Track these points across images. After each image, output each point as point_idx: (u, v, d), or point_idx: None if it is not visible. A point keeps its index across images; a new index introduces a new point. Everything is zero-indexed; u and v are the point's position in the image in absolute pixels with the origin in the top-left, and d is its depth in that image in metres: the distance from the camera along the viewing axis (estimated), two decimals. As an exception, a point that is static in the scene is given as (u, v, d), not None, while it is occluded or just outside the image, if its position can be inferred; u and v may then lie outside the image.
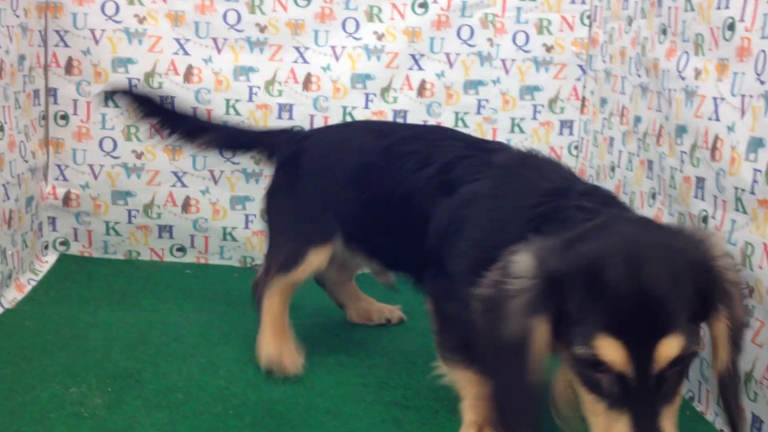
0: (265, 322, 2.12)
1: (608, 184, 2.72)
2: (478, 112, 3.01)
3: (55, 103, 2.88)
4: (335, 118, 2.94)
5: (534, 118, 3.03)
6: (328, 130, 2.46)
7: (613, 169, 2.70)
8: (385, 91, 2.96)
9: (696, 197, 2.07)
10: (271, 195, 2.24)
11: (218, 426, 1.78)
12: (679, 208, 2.16)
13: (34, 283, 2.66)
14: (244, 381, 2.01)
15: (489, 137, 3.00)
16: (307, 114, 2.94)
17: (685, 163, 2.13)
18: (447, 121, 2.99)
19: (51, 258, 2.91)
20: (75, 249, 2.99)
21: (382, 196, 2.00)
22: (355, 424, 1.83)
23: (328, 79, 2.94)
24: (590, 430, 1.37)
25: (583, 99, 3.02)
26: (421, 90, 2.97)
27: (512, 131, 3.02)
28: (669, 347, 1.25)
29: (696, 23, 2.12)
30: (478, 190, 1.77)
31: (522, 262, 1.36)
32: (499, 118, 3.01)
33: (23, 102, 2.67)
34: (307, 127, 2.91)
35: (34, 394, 1.86)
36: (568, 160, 3.05)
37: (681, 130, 2.16)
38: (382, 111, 2.97)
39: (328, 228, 2.10)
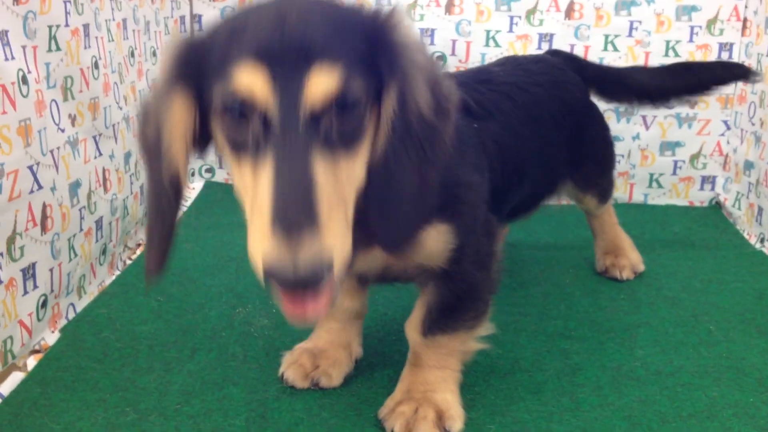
0: None
1: (776, 110, 2.54)
2: (630, 35, 2.85)
3: (200, 29, 2.88)
4: (478, 44, 2.85)
5: (690, 40, 2.85)
6: None
7: (782, 93, 2.51)
8: (530, 13, 2.83)
9: None
10: None
11: (386, 339, 1.78)
12: None
13: (184, 209, 2.71)
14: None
15: (641, 62, 2.85)
16: (449, 39, 2.86)
17: None
18: (596, 44, 2.85)
19: (198, 185, 2.97)
20: (220, 176, 3.03)
21: None
22: (520, 353, 1.79)
23: (471, 2, 2.84)
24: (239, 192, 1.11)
25: (745, 20, 2.82)
26: (569, 11, 2.83)
27: (666, 54, 2.86)
28: (320, 79, 1.03)
29: None
30: None
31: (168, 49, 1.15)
32: (653, 41, 2.85)
33: (171, 27, 2.68)
34: (448, 53, 2.83)
35: (204, 313, 1.91)
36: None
37: None
38: (526, 35, 2.85)
39: None
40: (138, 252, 2.30)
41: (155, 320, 1.86)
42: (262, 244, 0.98)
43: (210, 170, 3.02)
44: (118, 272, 2.14)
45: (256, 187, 1.03)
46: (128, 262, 2.23)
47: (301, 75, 1.03)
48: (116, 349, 1.72)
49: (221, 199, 2.83)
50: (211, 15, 2.87)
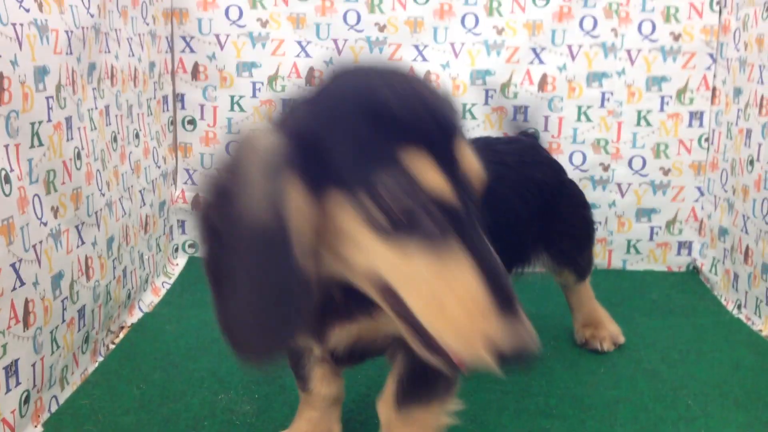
0: None
1: (746, 179, 2.60)
2: (602, 106, 2.93)
3: (183, 108, 2.94)
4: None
5: (661, 110, 2.92)
6: None
7: (751, 162, 2.58)
8: (505, 86, 2.91)
9: None
10: None
11: (364, 430, 1.79)
12: (836, 207, 2.04)
13: (168, 287, 2.73)
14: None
15: (614, 131, 2.93)
16: None
17: (842, 160, 2.01)
18: (569, 114, 2.92)
19: (181, 261, 2.99)
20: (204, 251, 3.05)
21: None
22: (501, 433, 1.81)
23: (447, 77, 2.91)
24: (409, 296, 1.05)
25: (714, 89, 2.90)
26: (543, 84, 2.91)
27: (638, 124, 2.93)
28: (474, 162, 1.05)
29: None
30: None
31: (263, 131, 1.09)
32: (624, 111, 2.92)
33: (154, 108, 2.73)
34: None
35: (186, 401, 1.91)
36: (698, 153, 2.94)
37: (837, 124, 2.04)
38: (501, 107, 2.92)
39: None
40: (121, 335, 2.30)
41: (138, 410, 1.86)
42: (484, 328, 0.97)
43: (193, 245, 3.05)
44: (101, 358, 2.15)
45: (440, 274, 1.00)
46: (111, 346, 2.24)
47: (456, 156, 1.03)
48: (99, 442, 1.73)
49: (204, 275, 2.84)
50: (194, 95, 2.92)
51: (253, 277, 1.06)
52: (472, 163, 1.05)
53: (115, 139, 2.31)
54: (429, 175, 1.00)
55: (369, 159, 1.02)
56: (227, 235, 1.06)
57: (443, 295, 1.00)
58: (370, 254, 1.05)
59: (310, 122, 1.07)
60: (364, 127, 1.03)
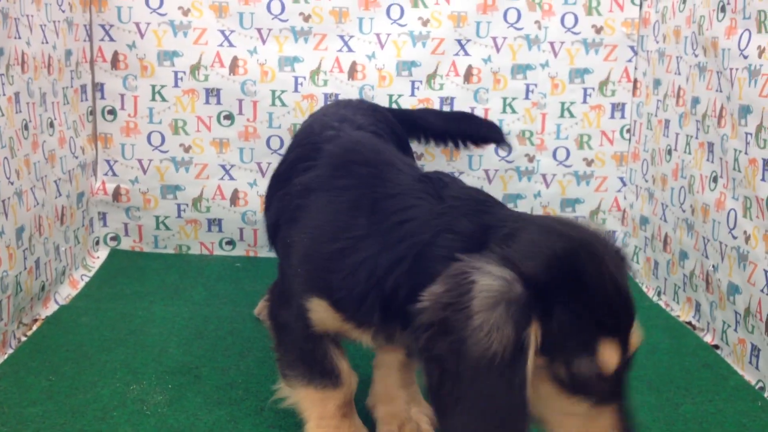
0: None
1: (665, 168, 2.65)
2: (527, 97, 2.95)
3: (102, 98, 2.88)
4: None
5: (584, 101, 2.96)
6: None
7: (669, 152, 2.63)
8: (431, 78, 2.91)
9: (763, 180, 2.00)
10: None
11: (280, 423, 1.77)
12: (745, 191, 2.09)
13: (87, 279, 2.66)
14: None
15: (538, 123, 2.95)
16: None
17: (750, 145, 2.06)
18: (495, 106, 2.94)
19: (102, 254, 2.92)
20: (126, 244, 2.99)
21: None
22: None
23: (374, 68, 2.91)
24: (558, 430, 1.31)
25: (635, 81, 2.95)
26: (468, 76, 2.92)
27: (562, 116, 2.96)
28: (638, 335, 1.28)
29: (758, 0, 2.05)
30: (310, 181, 1.63)
31: (494, 269, 1.21)
32: (548, 103, 2.95)
33: (71, 97, 2.67)
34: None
35: (96, 392, 1.87)
36: (620, 144, 2.99)
37: (745, 110, 2.09)
38: (428, 98, 2.92)
39: None
40: (35, 328, 2.24)
41: (45, 401, 1.81)
42: None
43: (115, 238, 2.98)
44: (11, 350, 2.08)
45: (596, 425, 1.26)
46: (23, 338, 2.17)
47: (628, 338, 1.25)
48: (1, 434, 1.67)
49: (126, 267, 2.79)
50: (114, 84, 2.86)
51: (484, 403, 1.21)
52: (638, 340, 1.28)
53: (26, 127, 2.25)
54: (613, 360, 1.22)
55: (574, 338, 1.22)
56: (454, 364, 1.20)
57: None
58: (548, 400, 1.28)
59: (541, 274, 1.22)
60: (576, 309, 1.21)
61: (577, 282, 1.22)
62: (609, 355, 1.21)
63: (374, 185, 1.51)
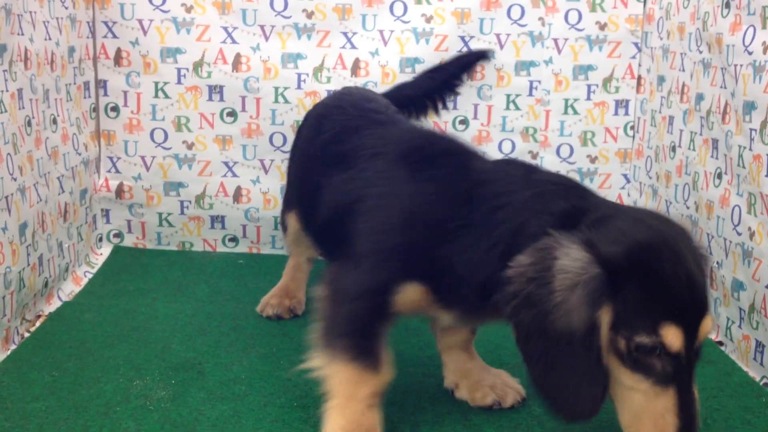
0: None
1: (669, 165, 2.65)
2: (530, 94, 2.95)
3: (105, 95, 2.88)
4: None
5: (588, 98, 2.96)
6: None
7: (673, 149, 2.62)
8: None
9: (768, 176, 1.99)
10: None
11: (283, 418, 1.77)
12: (749, 188, 2.08)
13: (90, 276, 2.66)
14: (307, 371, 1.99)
15: (542, 119, 2.95)
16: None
17: (754, 141, 2.05)
18: (498, 103, 2.93)
19: (105, 250, 2.92)
20: (129, 241, 2.99)
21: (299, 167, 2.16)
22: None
23: (377, 64, 2.90)
24: (623, 405, 1.41)
25: (639, 77, 2.94)
26: (471, 73, 2.91)
27: (566, 112, 2.96)
28: (707, 325, 1.37)
29: (765, -5, 2.04)
30: (389, 168, 1.69)
31: (575, 252, 1.34)
32: (552, 100, 2.95)
33: (74, 94, 2.67)
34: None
35: (99, 387, 1.86)
36: (624, 141, 2.98)
37: (749, 106, 2.08)
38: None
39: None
40: (38, 324, 2.24)
41: (48, 397, 1.81)
42: None
43: (118, 235, 2.98)
44: (14, 346, 2.08)
45: (656, 403, 1.35)
46: (26, 334, 2.17)
47: (698, 326, 1.35)
48: (4, 429, 1.66)
49: (129, 264, 2.79)
50: (117, 81, 2.86)
51: (564, 368, 1.36)
52: (707, 329, 1.37)
53: (29, 124, 2.25)
54: (675, 343, 1.33)
55: (640, 318, 1.33)
56: (537, 332, 1.36)
57: (646, 417, 1.36)
58: (614, 374, 1.39)
59: (619, 257, 1.33)
60: (646, 291, 1.33)
61: (653, 270, 1.33)
62: (670, 338, 1.32)
63: (463, 174, 1.60)
